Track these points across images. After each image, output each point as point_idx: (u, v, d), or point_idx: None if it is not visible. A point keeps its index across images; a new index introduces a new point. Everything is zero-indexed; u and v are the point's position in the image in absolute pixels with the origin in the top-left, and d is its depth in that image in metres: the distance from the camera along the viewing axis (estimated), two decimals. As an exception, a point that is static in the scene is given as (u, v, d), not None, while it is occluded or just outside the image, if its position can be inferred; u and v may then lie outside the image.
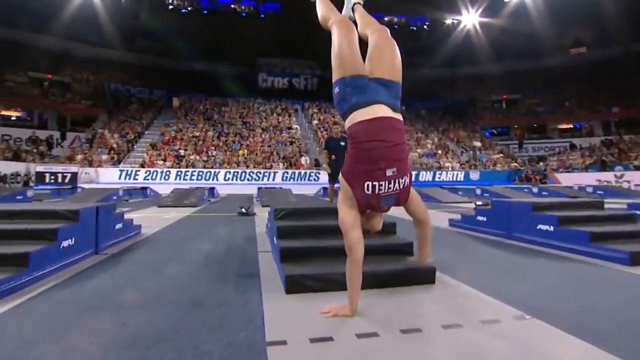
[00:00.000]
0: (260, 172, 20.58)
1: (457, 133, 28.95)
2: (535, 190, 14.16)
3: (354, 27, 2.44)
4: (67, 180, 17.73)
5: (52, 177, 17.78)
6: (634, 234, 4.02)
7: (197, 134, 24.15)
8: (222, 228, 6.20)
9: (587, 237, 3.82)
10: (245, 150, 22.63)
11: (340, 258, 2.93)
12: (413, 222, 2.39)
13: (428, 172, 22.43)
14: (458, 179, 22.25)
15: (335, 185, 6.06)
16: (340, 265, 2.79)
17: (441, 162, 23.72)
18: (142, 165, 20.01)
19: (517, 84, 32.06)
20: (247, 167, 20.96)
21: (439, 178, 22.17)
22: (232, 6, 29.02)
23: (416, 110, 32.56)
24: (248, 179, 20.11)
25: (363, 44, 2.42)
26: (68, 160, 19.72)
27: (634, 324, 2.07)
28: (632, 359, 1.67)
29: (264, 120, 27.14)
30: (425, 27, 31.73)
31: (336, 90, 2.29)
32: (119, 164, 20.12)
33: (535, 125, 31.90)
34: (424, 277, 2.81)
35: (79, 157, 19.91)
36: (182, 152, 21.74)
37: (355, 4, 2.75)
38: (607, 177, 19.66)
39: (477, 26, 30.18)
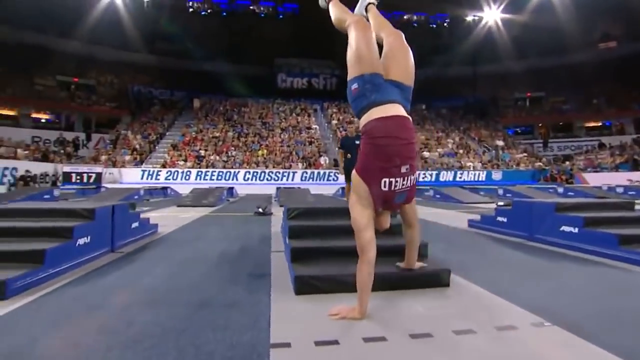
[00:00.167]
0: (279, 172, 20.67)
1: (479, 132, 28.29)
2: (560, 190, 13.67)
3: (370, 27, 2.46)
4: (92, 180, 18.29)
5: (78, 177, 18.38)
6: (666, 236, 3.78)
7: (217, 134, 24.47)
8: (238, 228, 6.22)
9: (615, 239, 3.60)
10: (265, 151, 22.78)
11: (352, 259, 2.85)
12: (402, 225, 2.50)
13: (449, 172, 22.02)
14: (480, 179, 21.75)
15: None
16: (352, 266, 2.72)
17: (462, 162, 23.23)
18: (164, 166, 20.42)
19: (541, 82, 31.08)
20: (267, 167, 21.09)
21: (460, 178, 21.74)
22: (251, 7, 29.32)
23: (437, 109, 32.05)
24: (267, 179, 20.23)
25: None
26: (93, 160, 20.34)
27: (665, 334, 1.92)
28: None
29: (283, 120, 27.27)
30: (445, 24, 31.21)
31: (354, 86, 2.29)
32: (141, 164, 20.61)
33: (560, 123, 30.85)
34: (438, 279, 2.70)
35: (103, 157, 20.49)
36: (202, 152, 22.07)
37: (369, 3, 2.74)
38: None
39: (499, 22, 29.42)
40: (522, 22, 27.98)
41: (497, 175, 22.00)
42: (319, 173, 20.70)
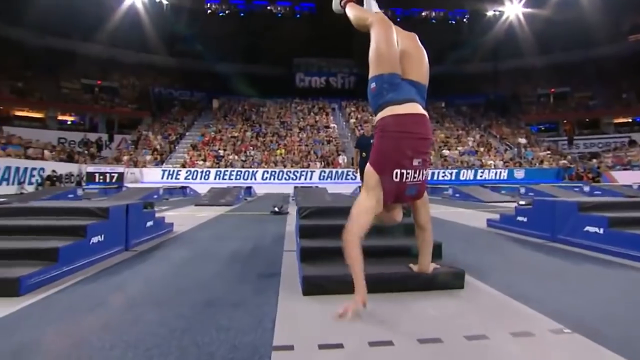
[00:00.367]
0: (297, 172, 20.71)
1: (500, 129, 27.60)
2: (586, 189, 13.16)
3: (393, 25, 2.50)
4: (114, 180, 18.78)
5: (101, 177, 18.91)
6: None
7: (236, 134, 24.73)
8: (253, 227, 6.22)
9: (644, 241, 3.40)
10: (283, 150, 22.87)
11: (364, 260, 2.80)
12: (415, 227, 2.50)
13: (469, 171, 21.57)
14: (501, 178, 21.21)
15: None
16: (364, 267, 2.66)
17: (483, 160, 22.72)
18: (183, 166, 20.77)
19: (566, 77, 30.09)
20: (285, 166, 21.16)
21: (480, 177, 21.26)
22: (269, 8, 29.49)
23: (457, 107, 31.48)
24: (285, 178, 20.29)
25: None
26: (115, 161, 20.87)
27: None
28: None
29: (302, 119, 27.33)
30: (465, 20, 30.57)
31: (372, 85, 2.37)
32: (162, 164, 21.03)
33: (587, 119, 29.77)
34: (451, 281, 2.59)
35: (125, 158, 21.00)
36: (221, 152, 22.34)
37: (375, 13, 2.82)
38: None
39: (521, 17, 28.60)
40: (545, 16, 27.07)
41: (519, 174, 21.41)
42: (337, 172, 20.63)
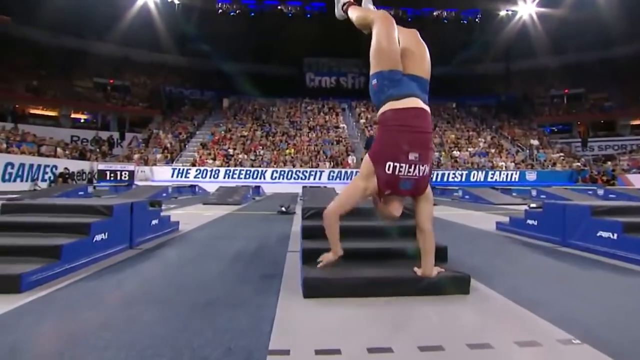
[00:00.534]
0: (306, 171, 20.68)
1: (512, 131, 27.20)
2: (600, 192, 12.85)
3: (394, 21, 2.53)
4: (125, 177, 18.99)
5: (112, 175, 19.14)
6: None
7: (246, 133, 24.80)
8: (259, 226, 6.21)
9: (660, 247, 3.27)
10: (292, 150, 22.87)
11: (364, 263, 2.75)
12: (416, 230, 2.48)
13: (480, 172, 21.29)
14: (512, 180, 20.89)
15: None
16: (364, 270, 2.61)
17: (494, 162, 22.42)
18: (193, 164, 20.90)
19: (580, 78, 29.51)
20: (294, 166, 21.15)
21: (491, 178, 20.98)
22: (279, 7, 29.49)
23: (468, 107, 31.12)
24: (294, 178, 20.28)
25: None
26: (126, 159, 21.10)
27: None
28: None
29: (311, 119, 27.30)
30: (477, 20, 30.18)
31: (374, 82, 2.44)
32: (172, 162, 21.18)
33: (602, 121, 29.12)
34: (456, 286, 2.50)
35: (136, 156, 21.22)
36: (231, 151, 22.43)
37: None
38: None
39: (535, 17, 28.12)
40: (559, 16, 26.56)
41: (531, 176, 21.08)
42: (346, 172, 20.55)
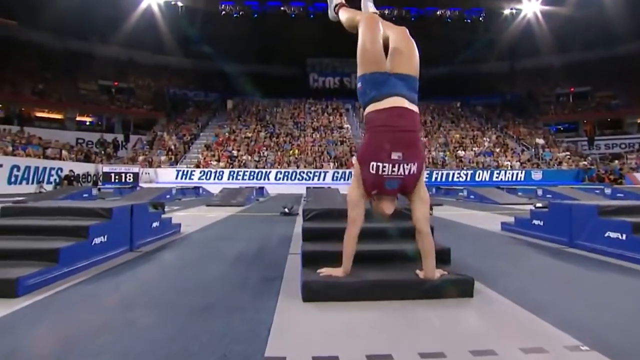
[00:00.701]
0: (310, 172, 20.66)
1: (517, 130, 27.00)
2: (608, 191, 12.70)
3: (380, 22, 2.58)
4: (129, 179, 19.06)
5: (117, 177, 19.24)
6: None
7: (250, 134, 24.83)
8: (261, 228, 6.16)
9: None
10: (296, 150, 22.85)
11: (366, 266, 2.68)
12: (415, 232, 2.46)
13: (485, 172, 21.14)
14: (518, 179, 20.73)
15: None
16: (365, 273, 2.55)
17: (499, 161, 22.25)
18: (197, 166, 20.95)
19: (586, 76, 29.23)
20: (298, 167, 21.12)
21: (496, 178, 20.83)
22: (282, 8, 29.46)
23: (472, 107, 30.94)
24: (298, 179, 20.27)
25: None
26: (131, 161, 21.20)
27: None
28: None
29: (315, 120, 27.28)
30: (480, 19, 29.96)
31: (359, 85, 2.50)
32: (176, 164, 21.24)
33: (609, 119, 28.82)
34: (459, 289, 2.43)
35: (140, 158, 21.31)
36: (235, 152, 22.46)
37: (372, 13, 2.91)
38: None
39: (539, 15, 27.87)
40: (564, 13, 26.29)
41: (537, 175, 20.90)
42: (350, 173, 20.43)
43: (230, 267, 3.42)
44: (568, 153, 23.73)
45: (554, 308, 2.24)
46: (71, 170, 18.14)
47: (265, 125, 26.28)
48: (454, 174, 21.05)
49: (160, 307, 2.33)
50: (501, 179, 20.63)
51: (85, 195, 12.15)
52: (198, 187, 16.07)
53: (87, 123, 27.57)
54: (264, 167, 20.98)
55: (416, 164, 2.29)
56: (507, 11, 29.02)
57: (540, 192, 12.11)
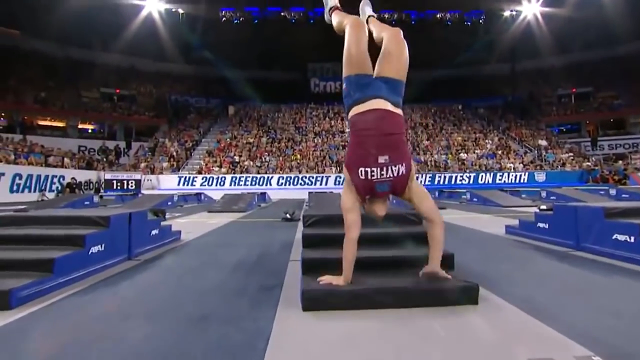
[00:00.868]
0: (312, 177, 20.61)
1: (519, 132, 26.90)
2: (613, 192, 12.56)
3: (365, 26, 2.65)
4: (131, 186, 19.05)
5: (119, 184, 19.23)
6: None
7: (251, 140, 24.85)
8: (262, 234, 6.09)
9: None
10: (298, 155, 22.82)
11: (367, 273, 2.61)
12: (425, 223, 2.47)
13: (488, 174, 21.03)
14: (521, 181, 20.61)
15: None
16: (366, 280, 2.48)
17: (502, 163, 22.14)
18: (199, 172, 20.94)
19: (587, 76, 29.15)
20: (300, 172, 21.08)
21: (500, 180, 20.72)
22: (282, 14, 29.56)
23: (474, 109, 30.87)
24: (300, 184, 20.23)
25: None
26: (133, 168, 21.22)
27: None
28: None
29: (317, 125, 27.28)
30: (481, 21, 29.95)
31: (344, 86, 2.53)
32: (178, 170, 21.24)
33: (611, 120, 28.69)
34: (463, 296, 2.35)
35: (142, 165, 21.33)
36: (236, 158, 22.46)
37: (369, 16, 2.95)
38: None
39: (539, 16, 27.85)
40: (564, 14, 26.24)
41: (540, 177, 20.78)
42: (351, 177, 20.40)
43: (229, 274, 3.35)
44: (571, 154, 23.60)
45: (562, 315, 2.16)
46: (73, 178, 18.15)
47: (266, 131, 26.29)
48: (456, 177, 20.94)
49: (155, 317, 2.27)
50: (504, 181, 20.52)
51: (86, 202, 12.11)
52: (200, 194, 16.02)
53: (89, 130, 27.68)
54: (266, 173, 20.95)
55: (404, 164, 2.29)
56: (507, 13, 29.01)
57: (544, 194, 11.98)
